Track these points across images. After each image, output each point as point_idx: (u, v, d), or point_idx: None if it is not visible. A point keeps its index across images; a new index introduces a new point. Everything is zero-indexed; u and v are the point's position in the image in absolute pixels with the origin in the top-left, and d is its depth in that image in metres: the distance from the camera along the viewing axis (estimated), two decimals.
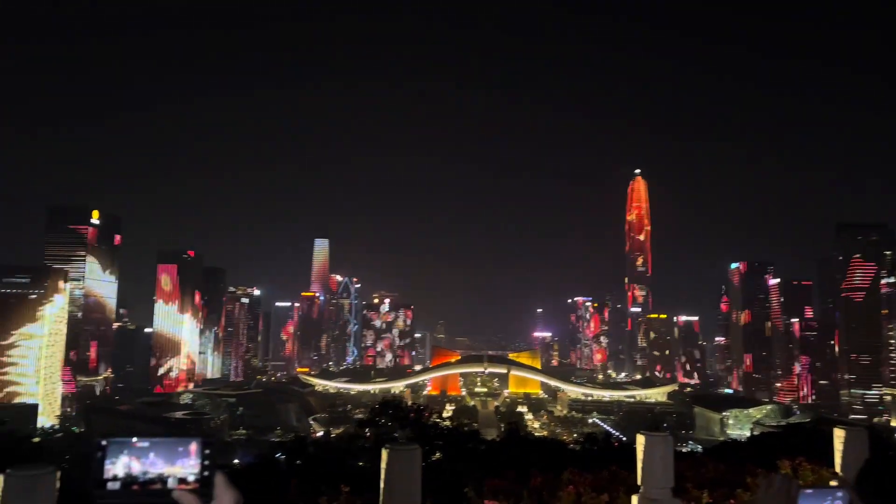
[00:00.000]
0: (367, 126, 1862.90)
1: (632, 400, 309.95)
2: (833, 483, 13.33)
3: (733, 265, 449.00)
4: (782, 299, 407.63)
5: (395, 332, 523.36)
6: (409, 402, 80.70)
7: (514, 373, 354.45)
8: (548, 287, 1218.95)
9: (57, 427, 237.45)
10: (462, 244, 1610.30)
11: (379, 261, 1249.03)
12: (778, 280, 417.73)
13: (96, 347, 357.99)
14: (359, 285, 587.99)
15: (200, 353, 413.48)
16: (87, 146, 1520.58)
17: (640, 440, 12.53)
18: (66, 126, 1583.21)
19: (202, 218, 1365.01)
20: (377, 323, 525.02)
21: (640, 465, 12.52)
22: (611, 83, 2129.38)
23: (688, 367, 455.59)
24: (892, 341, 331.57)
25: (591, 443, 44.14)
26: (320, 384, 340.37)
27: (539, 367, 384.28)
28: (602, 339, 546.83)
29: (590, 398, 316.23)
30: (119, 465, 2.77)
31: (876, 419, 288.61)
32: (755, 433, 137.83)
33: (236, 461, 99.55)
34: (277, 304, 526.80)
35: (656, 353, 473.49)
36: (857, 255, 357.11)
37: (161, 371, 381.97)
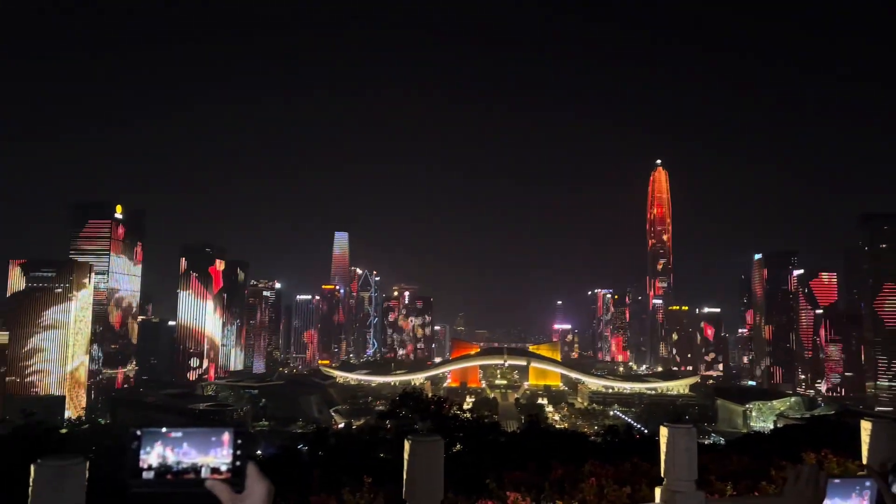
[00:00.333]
0: (390, 129, 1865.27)
1: (653, 392, 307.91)
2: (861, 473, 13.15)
3: (756, 256, 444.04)
4: (806, 290, 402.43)
5: (415, 324, 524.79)
6: (430, 395, 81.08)
7: (534, 365, 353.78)
8: (568, 279, 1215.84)
9: (83, 419, 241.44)
10: (482, 238, 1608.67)
11: (398, 255, 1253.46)
12: (802, 271, 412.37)
13: (121, 340, 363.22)
14: (378, 278, 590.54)
15: (223, 345, 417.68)
16: (112, 146, 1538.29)
17: (664, 432, 12.45)
18: (91, 127, 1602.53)
19: (224, 214, 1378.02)
20: (397, 315, 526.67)
21: (663, 457, 12.44)
22: (628, 77, 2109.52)
23: (710, 358, 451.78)
24: None
25: (612, 435, 44.01)
26: (341, 376, 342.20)
27: (559, 359, 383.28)
28: (623, 331, 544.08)
29: (610, 390, 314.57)
30: (153, 455, 2.81)
31: None
32: (779, 425, 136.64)
33: (259, 452, 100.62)
34: (298, 297, 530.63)
35: (678, 345, 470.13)
36: (883, 245, 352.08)
37: (185, 363, 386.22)
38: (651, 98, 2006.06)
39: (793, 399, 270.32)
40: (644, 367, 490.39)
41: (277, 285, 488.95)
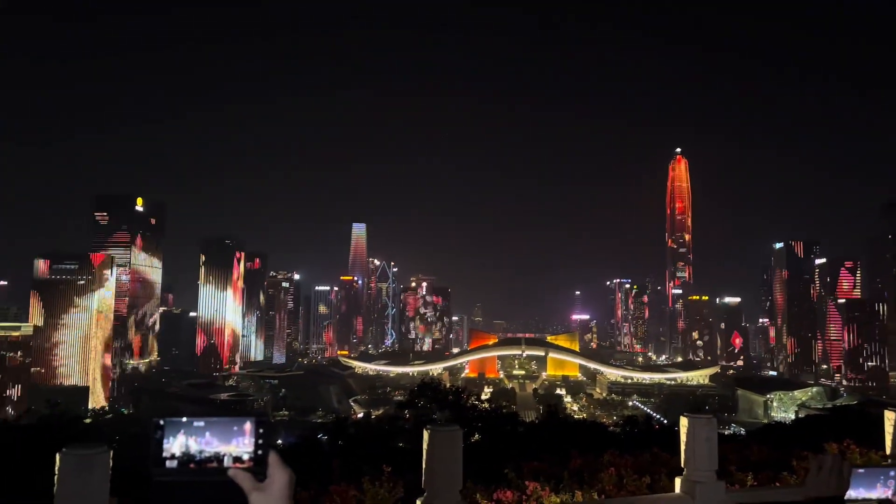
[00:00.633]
0: (411, 123, 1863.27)
1: (672, 383, 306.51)
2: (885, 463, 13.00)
3: (777, 245, 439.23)
4: (829, 279, 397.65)
5: (433, 315, 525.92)
6: (448, 385, 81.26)
7: (553, 355, 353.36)
8: (586, 270, 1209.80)
9: (106, 408, 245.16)
10: (500, 230, 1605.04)
11: (417, 246, 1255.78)
12: (824, 260, 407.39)
13: (143, 332, 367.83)
14: (396, 269, 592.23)
15: (243, 336, 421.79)
16: (133, 144, 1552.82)
17: (684, 422, 12.40)
18: (111, 125, 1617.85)
19: (244, 207, 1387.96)
20: (415, 306, 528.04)
21: (683, 447, 12.39)
22: (647, 68, 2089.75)
23: (730, 348, 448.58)
24: None
25: (631, 425, 43.88)
26: (360, 366, 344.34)
27: (577, 349, 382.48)
28: (642, 321, 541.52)
29: (629, 381, 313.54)
30: (176, 445, 2.84)
31: None
32: (800, 416, 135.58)
33: (280, 441, 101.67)
34: (317, 288, 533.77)
35: (697, 335, 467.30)
36: None
37: (206, 354, 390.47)
38: (670, 87, 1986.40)
39: (814, 389, 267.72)
40: (663, 357, 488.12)
41: (296, 277, 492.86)
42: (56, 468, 8.25)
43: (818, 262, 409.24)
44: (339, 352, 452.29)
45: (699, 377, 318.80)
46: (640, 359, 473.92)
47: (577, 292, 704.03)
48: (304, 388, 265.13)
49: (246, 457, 2.87)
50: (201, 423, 2.88)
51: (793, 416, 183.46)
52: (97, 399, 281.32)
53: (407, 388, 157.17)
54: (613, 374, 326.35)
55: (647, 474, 13.78)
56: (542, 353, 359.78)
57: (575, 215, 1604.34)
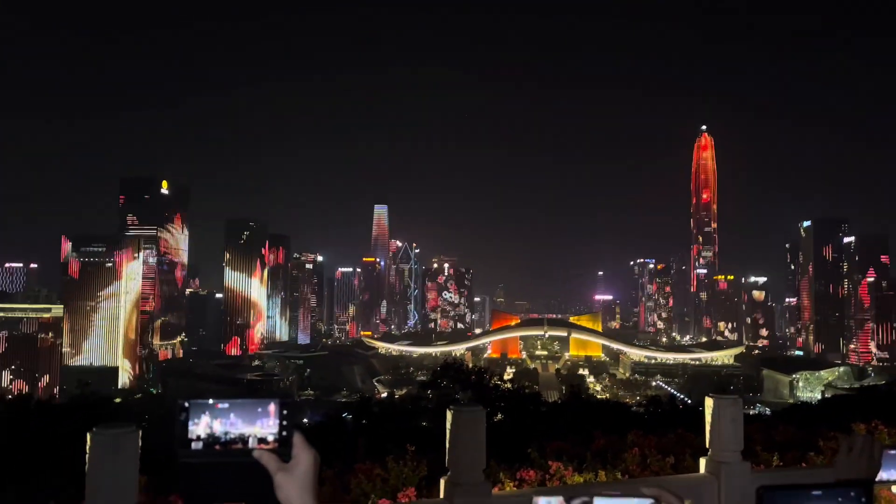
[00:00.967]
0: (432, 102, 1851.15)
1: (697, 363, 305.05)
2: None
3: (805, 223, 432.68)
4: (857, 257, 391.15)
5: (455, 296, 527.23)
6: (470, 365, 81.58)
7: (575, 336, 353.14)
8: (609, 250, 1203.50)
9: (135, 389, 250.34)
10: (522, 210, 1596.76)
11: (438, 227, 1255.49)
12: (853, 238, 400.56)
13: (169, 313, 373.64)
14: (418, 250, 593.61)
15: (268, 317, 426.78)
16: (155, 126, 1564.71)
17: (709, 402, 12.34)
18: (132, 108, 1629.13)
19: (267, 189, 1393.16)
20: (437, 287, 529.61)
21: (708, 427, 12.34)
22: (670, 39, 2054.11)
23: (756, 328, 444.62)
24: None
25: (655, 405, 43.74)
26: (383, 347, 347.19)
27: (600, 329, 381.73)
28: (666, 301, 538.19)
29: (653, 361, 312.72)
30: (201, 426, 2.86)
31: None
32: (827, 396, 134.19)
33: (305, 420, 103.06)
34: (340, 269, 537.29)
35: (722, 314, 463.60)
36: None
37: (232, 335, 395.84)
38: (695, 59, 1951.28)
39: (841, 369, 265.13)
40: (688, 337, 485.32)
41: (319, 258, 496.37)
42: (87, 447, 8.44)
43: (847, 240, 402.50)
44: (362, 333, 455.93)
45: (724, 357, 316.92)
46: (664, 339, 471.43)
47: (600, 272, 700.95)
48: (328, 369, 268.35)
49: (271, 438, 2.88)
50: (226, 405, 2.90)
51: (819, 397, 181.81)
52: (126, 380, 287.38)
53: (430, 368, 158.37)
54: (637, 354, 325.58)
55: (672, 454, 13.77)
56: (565, 334, 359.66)
57: (598, 195, 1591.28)
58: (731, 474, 12.03)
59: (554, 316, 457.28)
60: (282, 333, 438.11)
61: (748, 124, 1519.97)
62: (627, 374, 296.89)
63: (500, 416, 36.10)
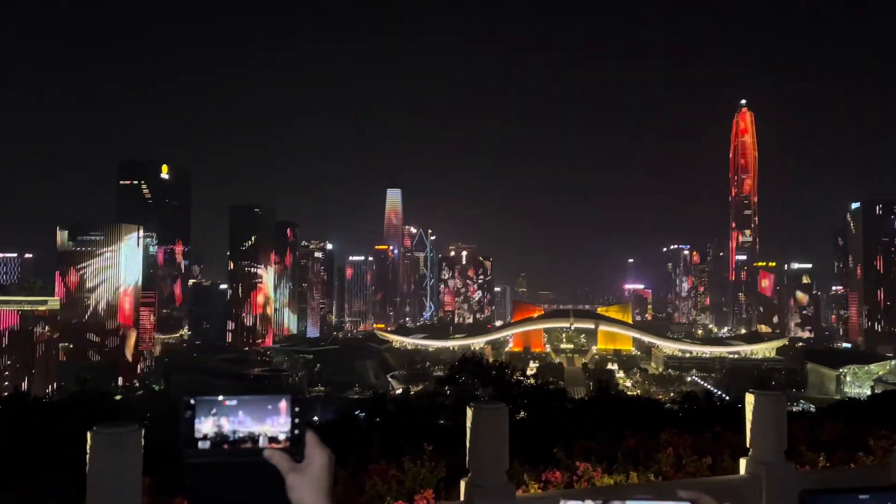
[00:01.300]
0: (449, 81, 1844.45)
1: (736, 356, 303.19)
2: None
3: (854, 205, 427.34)
4: None
5: (474, 285, 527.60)
6: (491, 360, 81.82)
7: (603, 328, 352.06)
8: (640, 235, 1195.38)
9: (136, 384, 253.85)
10: (545, 193, 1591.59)
11: (455, 212, 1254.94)
12: None
13: (171, 305, 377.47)
14: (434, 237, 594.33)
15: (276, 309, 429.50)
16: (155, 107, 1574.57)
17: (750, 399, 12.28)
18: (130, 88, 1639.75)
19: (272, 173, 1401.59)
20: (455, 276, 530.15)
21: (749, 426, 12.28)
22: (708, 18, 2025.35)
23: (799, 319, 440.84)
24: None
25: (690, 402, 43.65)
26: (397, 340, 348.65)
27: (630, 321, 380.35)
28: (702, 290, 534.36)
29: (688, 355, 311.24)
30: (208, 424, 2.86)
31: None
32: (877, 391, 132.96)
33: (316, 418, 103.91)
34: (351, 257, 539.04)
35: (763, 304, 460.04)
36: None
37: (237, 327, 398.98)
38: (736, 28, 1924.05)
39: (893, 362, 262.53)
40: (725, 329, 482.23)
41: (329, 246, 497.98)
42: (87, 447, 8.54)
43: None
44: (375, 325, 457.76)
45: (765, 350, 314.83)
46: (700, 331, 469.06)
47: (630, 260, 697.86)
48: (339, 363, 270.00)
49: (282, 437, 2.87)
50: (234, 402, 2.89)
51: (868, 392, 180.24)
52: (127, 375, 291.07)
53: (447, 363, 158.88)
54: (670, 347, 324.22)
55: (709, 455, 13.72)
56: (592, 326, 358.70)
57: (628, 176, 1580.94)
58: (774, 476, 11.97)
59: (580, 307, 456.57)
60: (290, 326, 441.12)
61: (791, 96, 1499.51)
62: (660, 369, 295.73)
63: (522, 413, 36.22)
